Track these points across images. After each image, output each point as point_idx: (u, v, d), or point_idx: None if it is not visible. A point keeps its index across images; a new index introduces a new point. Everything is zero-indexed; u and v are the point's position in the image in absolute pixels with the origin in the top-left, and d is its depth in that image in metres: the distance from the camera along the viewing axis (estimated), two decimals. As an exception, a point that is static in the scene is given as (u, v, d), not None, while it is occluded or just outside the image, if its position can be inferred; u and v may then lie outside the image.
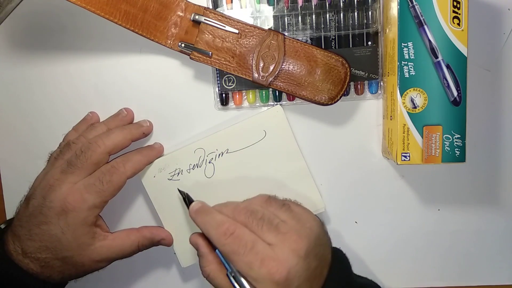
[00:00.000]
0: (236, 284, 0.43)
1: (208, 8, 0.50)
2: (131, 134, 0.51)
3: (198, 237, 0.47)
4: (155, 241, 0.51)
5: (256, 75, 0.50)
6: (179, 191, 0.51)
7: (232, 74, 0.51)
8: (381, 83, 0.52)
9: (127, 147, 0.51)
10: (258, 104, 0.53)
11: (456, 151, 0.46)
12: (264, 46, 0.49)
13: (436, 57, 0.46)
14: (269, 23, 0.52)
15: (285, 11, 0.51)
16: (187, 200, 0.49)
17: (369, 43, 0.52)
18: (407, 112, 0.46)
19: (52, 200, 0.46)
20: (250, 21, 0.51)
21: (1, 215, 0.57)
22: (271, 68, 0.49)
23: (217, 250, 0.45)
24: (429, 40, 0.45)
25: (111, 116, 0.53)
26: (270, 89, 0.53)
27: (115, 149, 0.49)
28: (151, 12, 0.50)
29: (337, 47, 0.51)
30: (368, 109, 0.54)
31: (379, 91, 0.53)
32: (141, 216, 0.55)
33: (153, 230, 0.52)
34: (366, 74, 0.52)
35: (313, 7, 0.51)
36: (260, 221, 0.44)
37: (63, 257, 0.47)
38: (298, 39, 0.50)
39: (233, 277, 0.43)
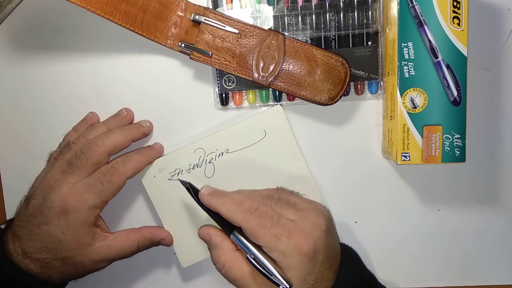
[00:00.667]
0: (258, 266, 0.42)
1: (208, 8, 0.50)
2: (131, 134, 0.51)
3: (208, 227, 0.47)
4: (155, 241, 0.51)
5: (256, 75, 0.50)
6: (181, 181, 0.49)
7: (232, 74, 0.51)
8: (381, 83, 0.52)
9: (127, 147, 0.51)
10: (258, 104, 0.53)
11: (456, 151, 0.46)
12: (264, 46, 0.49)
13: (436, 57, 0.46)
14: (269, 23, 0.52)
15: (285, 11, 0.51)
16: (191, 189, 0.48)
17: (369, 43, 0.52)
18: (407, 112, 0.46)
19: (52, 201, 0.46)
20: (250, 21, 0.51)
21: (1, 215, 0.57)
22: (271, 68, 0.49)
23: (232, 235, 0.44)
24: (429, 40, 0.45)
25: (111, 116, 0.53)
26: (270, 89, 0.53)
27: (115, 149, 0.49)
28: (151, 12, 0.50)
29: (337, 47, 0.51)
30: (368, 109, 0.54)
31: (379, 91, 0.53)
32: (141, 216, 0.55)
33: (153, 230, 0.52)
34: (366, 74, 0.52)
35: (313, 7, 0.51)
36: (278, 201, 0.45)
37: (63, 257, 0.47)
38: (298, 39, 0.50)
39: (253, 259, 0.42)
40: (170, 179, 0.52)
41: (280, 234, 0.42)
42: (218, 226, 0.47)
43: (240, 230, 0.44)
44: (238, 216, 0.44)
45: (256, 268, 0.42)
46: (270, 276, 0.42)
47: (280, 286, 0.41)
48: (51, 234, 0.46)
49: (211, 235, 0.46)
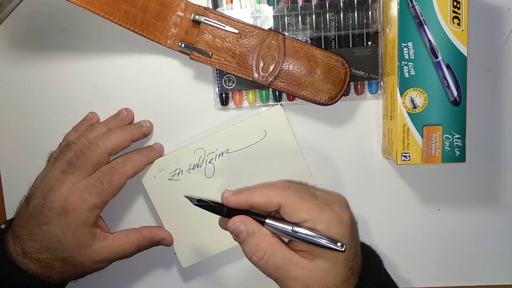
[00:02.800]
0: (308, 238, 0.40)
1: (208, 8, 0.50)
2: (131, 134, 0.51)
3: (239, 216, 0.42)
4: (155, 241, 0.51)
5: (256, 75, 0.50)
6: (188, 197, 0.45)
7: (232, 74, 0.51)
8: (381, 83, 0.52)
9: (127, 148, 0.51)
10: (258, 104, 0.53)
11: (456, 151, 0.46)
12: (264, 46, 0.49)
13: (436, 57, 0.46)
14: (269, 23, 0.52)
15: (285, 11, 0.51)
16: (209, 201, 0.44)
17: (369, 43, 0.52)
18: (407, 112, 0.46)
19: (52, 201, 0.46)
20: (250, 21, 0.51)
21: (1, 215, 0.57)
22: (271, 68, 0.49)
23: (266, 224, 0.41)
24: (429, 40, 0.45)
25: (111, 116, 0.53)
26: (270, 89, 0.53)
27: (116, 149, 0.49)
28: (151, 12, 0.50)
29: (337, 47, 0.51)
30: (368, 109, 0.54)
31: (379, 91, 0.53)
32: (141, 216, 0.55)
33: (153, 230, 0.52)
34: (366, 74, 0.52)
35: (313, 7, 0.51)
36: (299, 183, 0.45)
37: (63, 257, 0.47)
38: (298, 39, 0.50)
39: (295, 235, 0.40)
40: (171, 179, 0.52)
41: (321, 205, 0.41)
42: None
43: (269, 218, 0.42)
44: (275, 195, 0.41)
45: (306, 241, 0.40)
46: (324, 243, 0.39)
47: (337, 249, 0.39)
48: (51, 234, 0.46)
49: (247, 222, 0.41)
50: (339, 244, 0.40)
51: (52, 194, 0.47)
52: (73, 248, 0.47)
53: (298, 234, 0.40)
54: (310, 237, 0.40)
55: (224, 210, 0.43)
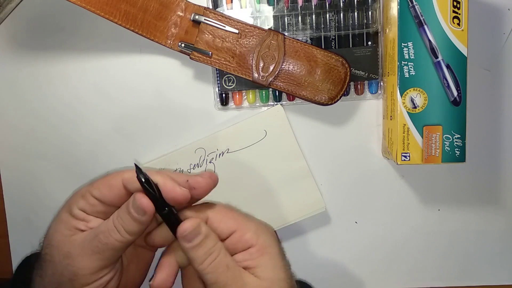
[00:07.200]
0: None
1: (208, 8, 0.50)
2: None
3: (192, 219, 0.38)
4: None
5: (256, 75, 0.50)
6: (137, 168, 0.37)
7: (232, 74, 0.51)
8: (381, 83, 0.52)
9: None
10: (258, 104, 0.53)
11: (456, 151, 0.46)
12: (264, 46, 0.49)
13: (436, 57, 0.46)
14: (269, 23, 0.52)
15: (285, 11, 0.51)
16: (154, 187, 0.37)
17: (369, 43, 0.52)
18: (407, 112, 0.46)
19: None
20: (250, 21, 0.51)
21: (1, 215, 0.57)
22: (271, 68, 0.49)
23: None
24: (429, 40, 0.45)
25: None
26: (270, 89, 0.53)
27: None
28: (151, 12, 0.50)
29: (337, 47, 0.52)
30: (368, 109, 0.54)
31: (379, 91, 0.53)
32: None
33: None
34: (366, 74, 0.52)
35: (313, 7, 0.51)
36: None
37: None
38: (298, 39, 0.50)
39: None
40: (170, 179, 0.52)
41: (248, 216, 0.42)
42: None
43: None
44: (206, 209, 0.40)
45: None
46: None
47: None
48: None
49: (201, 224, 0.38)
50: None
51: None
52: None
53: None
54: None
55: (160, 203, 0.37)
